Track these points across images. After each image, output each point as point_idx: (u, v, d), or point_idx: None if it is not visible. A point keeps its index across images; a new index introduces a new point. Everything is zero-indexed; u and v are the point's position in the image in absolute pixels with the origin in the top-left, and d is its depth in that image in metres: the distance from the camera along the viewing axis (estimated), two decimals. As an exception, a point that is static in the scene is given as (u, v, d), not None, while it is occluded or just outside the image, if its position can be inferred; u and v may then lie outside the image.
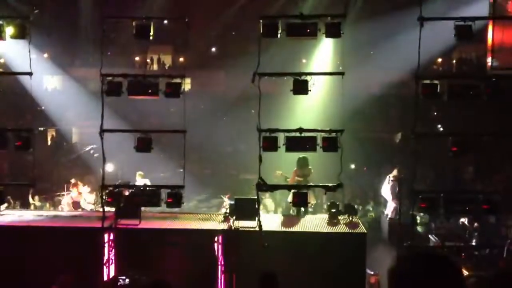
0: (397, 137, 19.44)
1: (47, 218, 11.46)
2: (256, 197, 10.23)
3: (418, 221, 13.78)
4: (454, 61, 20.10)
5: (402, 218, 12.99)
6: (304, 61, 18.51)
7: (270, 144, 9.53)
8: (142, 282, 8.34)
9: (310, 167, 13.05)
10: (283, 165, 13.94)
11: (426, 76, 9.34)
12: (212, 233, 10.19)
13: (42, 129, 20.42)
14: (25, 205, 15.21)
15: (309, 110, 17.03)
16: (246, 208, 10.35)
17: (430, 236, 13.18)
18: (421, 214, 12.45)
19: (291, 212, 12.90)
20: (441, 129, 17.08)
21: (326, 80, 14.09)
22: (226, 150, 19.59)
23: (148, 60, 22.89)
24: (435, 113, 17.29)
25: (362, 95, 16.61)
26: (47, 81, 22.05)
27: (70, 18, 20.99)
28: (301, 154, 12.39)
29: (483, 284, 3.11)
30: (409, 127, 9.79)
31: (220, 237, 10.10)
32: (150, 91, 9.76)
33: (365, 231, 10.23)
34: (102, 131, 9.93)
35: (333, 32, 9.31)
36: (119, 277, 9.28)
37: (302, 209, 12.22)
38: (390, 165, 15.49)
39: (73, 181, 14.58)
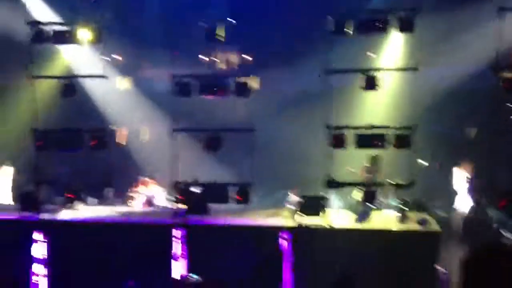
0: (472, 132, 18.77)
1: (120, 214, 11.87)
2: (324, 194, 10.21)
3: (493, 218, 13.30)
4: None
5: (476, 215, 12.59)
6: (373, 55, 18.17)
7: (339, 141, 9.49)
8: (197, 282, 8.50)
9: (380, 165, 12.83)
10: (353, 160, 13.79)
11: (505, 69, 8.92)
12: (279, 229, 10.24)
13: (115, 128, 21.14)
14: (101, 202, 15.79)
15: (380, 106, 16.71)
16: (314, 205, 10.34)
17: (505, 233, 12.68)
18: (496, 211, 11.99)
19: (360, 209, 12.75)
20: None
21: (397, 75, 13.81)
22: (294, 147, 19.57)
23: (217, 60, 23.13)
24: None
25: (435, 91, 16.11)
26: (120, 82, 22.75)
27: (140, 21, 21.56)
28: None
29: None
30: (485, 122, 9.46)
31: (288, 234, 10.14)
32: (220, 91, 9.93)
33: (439, 230, 9.97)
34: (173, 130, 10.20)
35: (406, 26, 9.12)
36: (190, 276, 9.49)
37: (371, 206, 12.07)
38: (465, 161, 15.00)
39: (144, 179, 15.03)
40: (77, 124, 12.08)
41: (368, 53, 14.61)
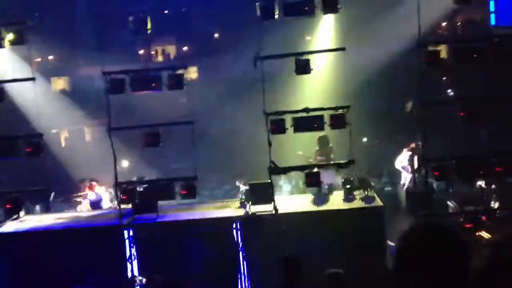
0: (408, 106, 19.25)
1: (67, 220, 11.58)
2: (270, 181, 10.26)
3: (435, 189, 13.72)
4: (459, 24, 19.75)
5: (419, 187, 12.94)
6: (308, 38, 18.35)
7: (277, 127, 9.53)
8: (155, 281, 8.40)
9: (331, 145, 12.98)
10: (300, 143, 13.92)
11: (428, 43, 9.17)
12: (230, 220, 10.24)
13: (55, 131, 20.58)
14: (46, 209, 15.36)
15: (316, 89, 16.92)
16: (261, 192, 10.36)
17: (448, 202, 13.10)
18: (437, 181, 12.35)
19: (312, 192, 12.89)
20: (452, 94, 16.91)
21: (330, 57, 13.99)
22: (239, 136, 19.56)
23: (153, 53, 22.84)
24: (444, 78, 17.08)
25: (368, 69, 16.44)
26: (54, 83, 22.13)
27: (70, 19, 20.98)
28: (322, 133, 12.35)
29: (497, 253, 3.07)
30: (418, 96, 9.69)
31: (238, 224, 10.16)
32: (153, 85, 9.77)
33: (383, 204, 10.19)
34: (110, 129, 10.00)
35: (330, 7, 9.20)
36: (136, 277, 9.39)
37: (324, 187, 12.24)
38: (403, 136, 15.36)
39: (88, 182, 14.71)
40: (10, 131, 11.69)
41: (300, 36, 14.71)
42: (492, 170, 9.00)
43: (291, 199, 12.03)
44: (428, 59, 8.88)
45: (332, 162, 10.37)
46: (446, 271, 1.97)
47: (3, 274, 10.16)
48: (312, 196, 11.75)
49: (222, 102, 19.28)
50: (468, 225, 9.16)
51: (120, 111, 13.01)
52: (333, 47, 13.77)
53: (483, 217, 11.36)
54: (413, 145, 14.36)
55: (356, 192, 10.73)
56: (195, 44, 22.21)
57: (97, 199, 14.24)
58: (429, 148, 9.80)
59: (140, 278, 8.68)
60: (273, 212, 9.88)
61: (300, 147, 14.01)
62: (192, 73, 20.31)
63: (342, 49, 9.62)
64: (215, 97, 19.33)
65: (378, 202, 10.30)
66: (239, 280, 9.93)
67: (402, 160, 14.70)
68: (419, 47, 9.04)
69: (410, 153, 14.39)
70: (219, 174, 18.83)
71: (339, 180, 12.99)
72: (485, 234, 9.47)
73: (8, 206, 10.60)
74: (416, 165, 13.83)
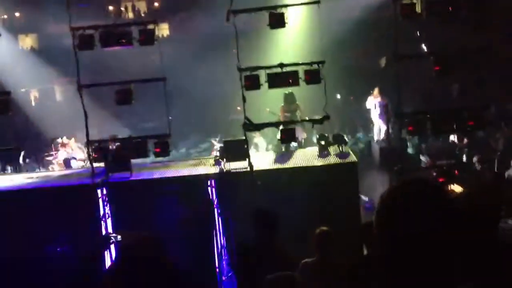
0: (382, 61, 19.24)
1: (38, 179, 11.40)
2: (245, 138, 10.20)
3: (408, 144, 13.86)
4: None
5: (392, 142, 13.04)
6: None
7: (252, 83, 9.41)
8: (128, 238, 8.35)
9: (297, 102, 13.00)
10: (272, 102, 13.88)
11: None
12: (204, 177, 10.18)
13: (24, 90, 20.12)
14: (17, 169, 15.14)
15: (291, 44, 16.75)
16: (236, 149, 10.29)
17: (421, 157, 13.27)
18: (411, 136, 12.46)
19: (282, 149, 12.92)
20: (425, 49, 16.90)
21: (304, 11, 13.79)
22: (212, 92, 19.39)
23: (123, 9, 22.29)
24: (418, 33, 17.03)
25: (342, 23, 16.29)
26: (22, 41, 21.54)
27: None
28: (288, 90, 12.31)
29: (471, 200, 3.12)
30: (391, 50, 9.62)
31: (213, 181, 10.10)
32: (123, 40, 9.51)
33: (356, 160, 10.22)
34: (80, 86, 9.76)
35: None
36: (110, 234, 9.31)
37: (293, 144, 12.24)
38: (377, 91, 15.41)
39: (61, 140, 14.49)
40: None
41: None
42: (465, 124, 9.06)
43: (266, 156, 12.01)
44: (403, 12, 8.77)
45: (307, 118, 10.30)
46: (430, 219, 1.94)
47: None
48: (286, 152, 11.80)
49: (195, 59, 19.00)
50: (441, 179, 9.26)
51: (92, 70, 12.70)
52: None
53: (456, 171, 11.53)
54: (379, 96, 14.44)
55: (330, 148, 10.76)
56: (165, 0, 21.76)
57: (69, 158, 14.06)
58: (402, 103, 9.79)
59: (114, 235, 8.60)
60: (248, 168, 9.84)
61: (270, 104, 13.95)
62: (163, 29, 19.91)
63: (317, 1, 9.44)
64: (188, 54, 19.04)
65: (353, 157, 10.34)
66: (214, 237, 9.95)
67: (375, 113, 14.79)
68: (394, 0, 8.91)
69: (381, 106, 14.47)
70: (193, 132, 18.73)
71: (304, 136, 13.06)
72: (457, 188, 9.60)
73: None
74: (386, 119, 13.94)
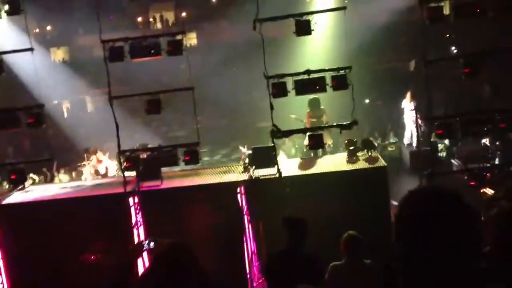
0: (411, 65, 19.10)
1: (71, 189, 11.61)
2: (273, 145, 10.24)
3: (439, 147, 13.69)
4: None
5: (423, 146, 12.91)
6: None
7: (279, 90, 9.44)
8: (163, 245, 8.43)
9: (323, 107, 13.01)
10: (297, 109, 13.89)
11: (430, 1, 8.97)
12: (234, 185, 10.24)
13: (56, 102, 20.53)
14: (51, 180, 15.43)
15: (318, 51, 16.74)
16: (264, 156, 10.33)
17: (452, 160, 13.09)
18: (441, 140, 12.33)
19: (311, 155, 12.91)
20: (455, 51, 16.72)
21: (331, 18, 13.79)
22: (240, 100, 19.50)
23: (151, 19, 22.61)
24: (447, 36, 16.87)
25: (370, 28, 16.22)
26: (54, 54, 22.00)
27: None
28: (313, 95, 12.31)
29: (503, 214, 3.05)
30: (421, 53, 9.56)
31: (242, 188, 10.16)
32: (152, 51, 9.66)
33: (385, 164, 10.15)
34: (111, 98, 9.95)
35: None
36: (143, 242, 9.41)
37: (320, 150, 12.22)
38: (408, 94, 15.29)
39: (92, 150, 14.75)
40: (10, 103, 11.65)
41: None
42: (497, 127, 8.92)
43: (294, 162, 12.01)
44: (430, 15, 8.71)
45: (335, 124, 10.28)
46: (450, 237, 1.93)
47: (10, 244, 10.24)
48: (314, 158, 11.78)
49: (224, 67, 19.13)
50: (472, 183, 9.14)
51: (122, 80, 12.95)
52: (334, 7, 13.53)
53: (487, 174, 11.35)
54: (410, 100, 14.33)
55: (359, 153, 10.71)
56: (193, 10, 21.98)
57: (101, 167, 14.30)
58: (433, 107, 9.71)
59: (147, 242, 8.71)
60: (277, 175, 9.86)
61: (295, 111, 13.96)
62: (191, 39, 20.12)
63: (343, 8, 9.44)
64: (215, 63, 19.20)
65: (382, 162, 10.27)
66: (244, 244, 10.00)
67: (407, 117, 14.70)
68: (421, 4, 8.85)
69: (411, 110, 14.37)
70: (223, 139, 18.83)
71: (330, 142, 13.03)
72: (489, 191, 9.46)
73: (12, 177, 10.60)
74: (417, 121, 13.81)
